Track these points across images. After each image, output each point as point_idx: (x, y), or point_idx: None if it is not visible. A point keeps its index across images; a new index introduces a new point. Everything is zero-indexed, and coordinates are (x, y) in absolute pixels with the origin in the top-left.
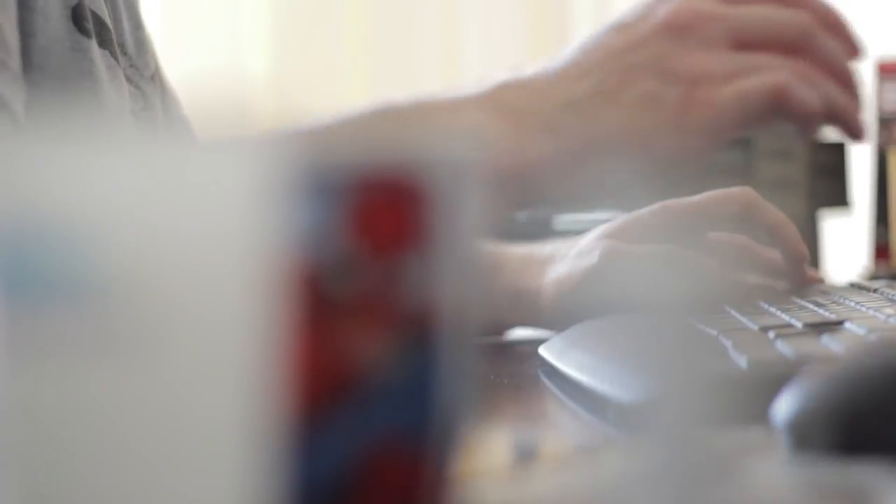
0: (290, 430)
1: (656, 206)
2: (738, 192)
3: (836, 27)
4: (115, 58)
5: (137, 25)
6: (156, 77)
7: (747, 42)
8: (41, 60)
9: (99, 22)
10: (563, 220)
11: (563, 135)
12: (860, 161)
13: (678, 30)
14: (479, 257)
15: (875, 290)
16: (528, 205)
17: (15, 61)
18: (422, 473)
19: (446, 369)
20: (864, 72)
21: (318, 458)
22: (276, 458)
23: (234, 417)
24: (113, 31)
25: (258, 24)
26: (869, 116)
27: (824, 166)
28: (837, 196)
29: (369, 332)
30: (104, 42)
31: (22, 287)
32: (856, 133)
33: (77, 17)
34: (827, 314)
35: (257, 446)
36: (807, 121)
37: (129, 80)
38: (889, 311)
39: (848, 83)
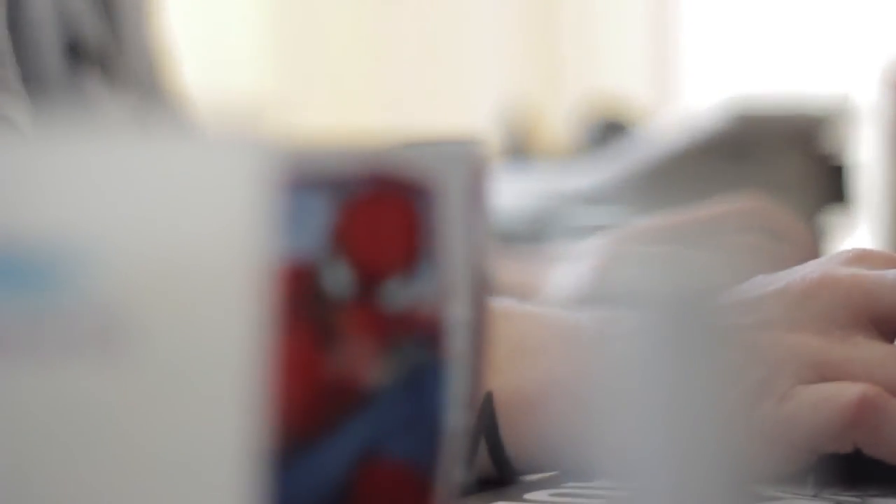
0: (284, 439)
1: (667, 216)
2: (751, 200)
3: None
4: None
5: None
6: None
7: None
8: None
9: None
10: (570, 217)
11: None
12: (863, 172)
13: (795, 295)
14: (487, 266)
15: None
16: None
17: (16, 81)
18: (421, 488)
19: (448, 380)
20: (871, 78)
21: (313, 468)
22: (267, 469)
23: (226, 424)
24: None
25: (254, 41)
26: (875, 125)
27: (825, 179)
28: (838, 200)
29: (367, 341)
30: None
31: (9, 285)
32: None
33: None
34: None
35: (249, 452)
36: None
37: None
38: None
39: None
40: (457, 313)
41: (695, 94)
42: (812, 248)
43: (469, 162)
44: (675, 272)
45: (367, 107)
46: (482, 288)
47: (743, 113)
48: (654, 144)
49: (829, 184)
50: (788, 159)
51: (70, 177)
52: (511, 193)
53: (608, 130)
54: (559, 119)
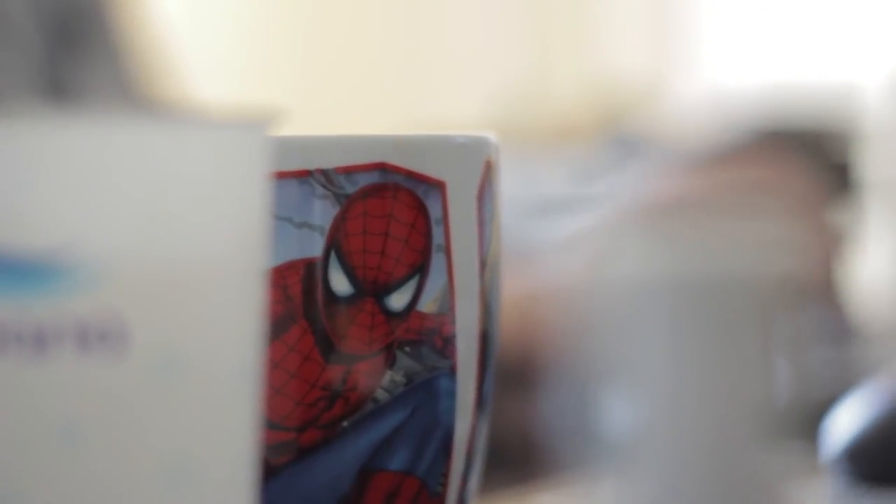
0: (284, 445)
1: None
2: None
3: None
4: None
5: None
6: None
7: None
8: None
9: None
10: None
11: None
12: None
13: None
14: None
15: None
16: None
17: None
18: (427, 500)
19: (456, 388)
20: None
21: (315, 476)
22: (266, 476)
23: (226, 427)
24: None
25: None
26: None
27: (834, 181)
28: (847, 199)
29: (371, 345)
30: None
31: (6, 284)
32: None
33: None
34: None
35: (249, 457)
36: None
37: None
38: None
39: None
40: (466, 316)
41: (697, 75)
42: (821, 209)
43: (480, 156)
44: (678, 254)
45: (366, 96)
46: (493, 290)
47: (765, 130)
48: (671, 153)
49: (839, 185)
50: (802, 169)
51: (66, 169)
52: (517, 205)
53: (624, 147)
54: (560, 101)
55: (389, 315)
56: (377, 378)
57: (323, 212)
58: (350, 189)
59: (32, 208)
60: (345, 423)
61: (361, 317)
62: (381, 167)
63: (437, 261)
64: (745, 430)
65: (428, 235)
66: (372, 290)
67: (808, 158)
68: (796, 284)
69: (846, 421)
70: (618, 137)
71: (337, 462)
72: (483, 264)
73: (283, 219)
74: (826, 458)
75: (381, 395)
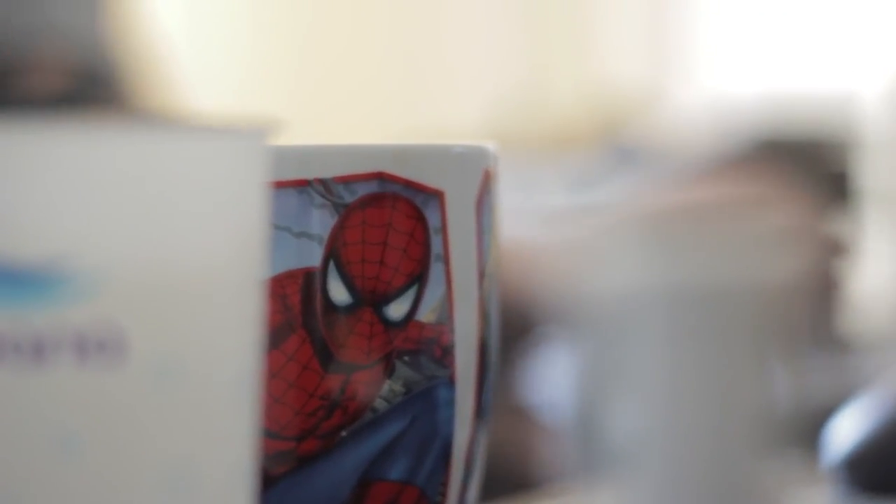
0: (282, 455)
1: (671, 198)
2: (757, 185)
3: None
4: None
5: None
6: None
7: None
8: None
9: None
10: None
11: None
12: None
13: None
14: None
15: None
16: None
17: None
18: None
19: (455, 397)
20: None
21: (313, 486)
22: (264, 486)
23: (224, 436)
24: None
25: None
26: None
27: (832, 191)
28: (844, 208)
29: (370, 354)
30: None
31: (5, 292)
32: None
33: None
34: None
35: (247, 466)
36: None
37: None
38: None
39: None
40: (465, 326)
41: (695, 83)
42: (818, 230)
43: (479, 166)
44: (676, 263)
45: (365, 105)
46: (492, 299)
47: (764, 140)
48: (670, 163)
49: (837, 194)
50: (801, 178)
51: (64, 178)
52: (516, 219)
53: (622, 155)
54: (558, 110)
55: (388, 325)
56: (376, 387)
57: (321, 221)
58: (349, 198)
59: (31, 217)
60: (344, 433)
61: (360, 326)
62: (380, 177)
63: (435, 270)
64: (744, 438)
65: (426, 245)
66: (370, 299)
67: (806, 168)
68: (794, 293)
69: (845, 429)
70: (616, 146)
71: (336, 471)
72: (482, 274)
73: (282, 228)
74: (825, 467)
75: (379, 404)
